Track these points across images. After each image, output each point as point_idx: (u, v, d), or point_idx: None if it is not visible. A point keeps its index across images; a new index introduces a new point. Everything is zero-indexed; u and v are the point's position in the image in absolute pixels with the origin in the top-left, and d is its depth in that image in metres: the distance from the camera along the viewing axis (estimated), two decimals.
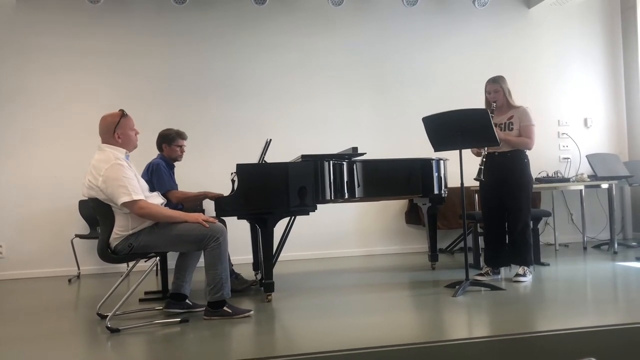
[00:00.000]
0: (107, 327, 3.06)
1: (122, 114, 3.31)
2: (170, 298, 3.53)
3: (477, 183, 4.36)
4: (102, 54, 5.86)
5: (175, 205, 4.05)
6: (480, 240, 4.87)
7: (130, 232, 3.14)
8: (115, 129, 3.23)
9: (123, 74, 5.90)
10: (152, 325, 3.21)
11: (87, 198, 3.21)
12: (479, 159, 4.30)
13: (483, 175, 3.95)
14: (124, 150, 3.27)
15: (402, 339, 2.68)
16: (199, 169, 5.71)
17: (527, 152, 4.19)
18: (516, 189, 4.11)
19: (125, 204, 3.05)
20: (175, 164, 4.31)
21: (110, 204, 3.11)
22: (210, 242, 3.19)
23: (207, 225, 3.19)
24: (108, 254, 3.19)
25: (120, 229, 3.15)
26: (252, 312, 3.33)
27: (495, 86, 4.18)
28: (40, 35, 5.75)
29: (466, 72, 6.38)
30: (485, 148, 4.11)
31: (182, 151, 4.27)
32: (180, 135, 4.25)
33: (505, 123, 4.17)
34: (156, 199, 3.32)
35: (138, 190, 3.11)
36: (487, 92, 4.24)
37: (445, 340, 2.65)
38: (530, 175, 4.20)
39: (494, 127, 3.78)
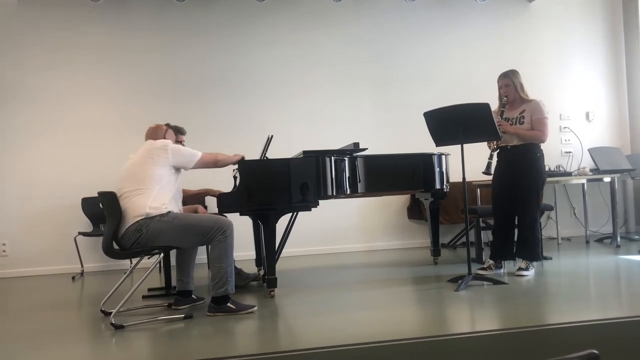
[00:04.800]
0: (112, 324, 3.07)
1: (169, 126, 3.73)
2: (178, 296, 3.57)
3: (478, 177, 4.37)
4: (103, 51, 5.87)
5: None
6: (483, 234, 4.89)
7: (147, 212, 3.16)
8: (165, 135, 3.60)
9: (124, 70, 5.90)
10: (156, 322, 3.22)
11: (102, 191, 3.27)
12: (487, 153, 4.31)
13: (495, 168, 3.94)
14: None
15: (404, 333, 2.68)
16: None
17: (542, 147, 4.16)
18: (526, 182, 4.09)
19: (201, 156, 3.41)
20: None
21: (175, 167, 3.37)
22: (217, 235, 3.22)
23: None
24: (113, 249, 3.23)
25: (139, 212, 3.17)
26: (255, 308, 3.34)
27: (506, 80, 4.17)
28: (42, 32, 5.76)
29: (467, 66, 6.38)
30: (494, 142, 4.10)
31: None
32: (179, 131, 4.27)
33: (516, 117, 4.15)
34: (170, 193, 3.39)
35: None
36: (499, 86, 4.23)
37: (448, 335, 2.65)
38: (543, 169, 4.16)
39: (495, 122, 3.78)
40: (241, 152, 3.72)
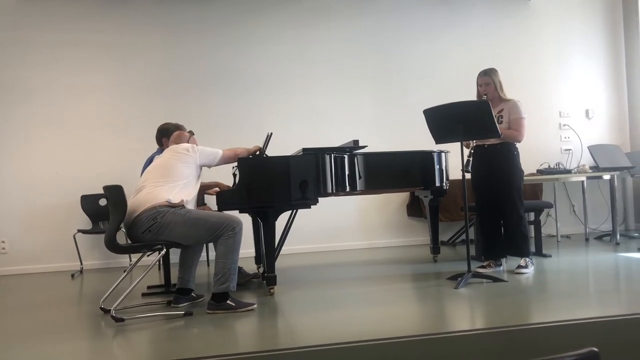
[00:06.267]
0: (112, 316, 3.07)
1: (192, 133, 3.84)
2: (177, 293, 3.57)
3: None
4: (102, 47, 5.85)
5: None
6: None
7: (170, 199, 3.24)
8: (189, 142, 3.70)
9: (124, 67, 5.89)
10: (156, 319, 3.22)
11: (108, 185, 3.32)
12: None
13: (472, 167, 3.96)
14: None
15: (404, 331, 2.68)
16: None
17: (517, 145, 4.18)
18: (507, 182, 4.11)
19: (222, 153, 3.58)
20: None
21: (199, 164, 3.50)
22: (227, 231, 3.26)
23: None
24: (115, 243, 3.25)
25: (163, 196, 3.25)
26: (255, 306, 3.34)
27: (486, 79, 4.17)
28: (42, 29, 5.74)
29: (467, 64, 6.35)
30: (473, 141, 4.09)
31: None
32: (179, 128, 4.26)
33: (495, 116, 4.16)
34: (190, 191, 3.46)
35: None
36: (478, 84, 4.23)
37: (448, 332, 2.66)
38: (520, 167, 4.20)
39: (494, 119, 3.78)
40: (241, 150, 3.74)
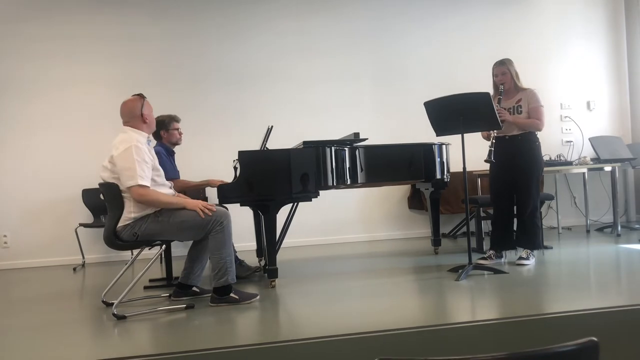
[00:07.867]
0: (114, 314, 3.08)
1: (143, 97, 3.36)
2: (177, 287, 3.55)
3: (478, 167, 4.36)
4: (100, 40, 5.83)
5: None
6: (484, 224, 4.89)
7: (133, 217, 3.13)
8: (142, 110, 3.29)
9: (121, 60, 5.87)
10: (158, 312, 3.23)
11: (102, 182, 3.23)
12: (487, 142, 4.29)
13: (493, 157, 3.94)
14: (146, 135, 3.33)
15: (405, 323, 2.69)
16: (200, 155, 5.71)
17: (538, 135, 4.16)
18: (526, 172, 4.08)
19: (129, 188, 3.08)
20: (176, 149, 4.33)
21: (117, 184, 3.14)
22: (215, 227, 3.21)
23: (204, 215, 3.16)
24: (114, 240, 3.22)
25: (126, 217, 3.16)
26: (258, 297, 3.35)
27: (503, 68, 4.15)
28: (39, 22, 5.72)
29: (467, 55, 6.35)
30: (494, 131, 4.08)
31: (180, 133, 4.29)
32: (174, 119, 4.27)
33: (514, 106, 4.15)
34: (165, 190, 3.32)
35: (145, 175, 3.11)
36: (494, 74, 4.21)
37: (449, 324, 2.67)
38: (541, 158, 4.18)
39: (495, 111, 3.77)
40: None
